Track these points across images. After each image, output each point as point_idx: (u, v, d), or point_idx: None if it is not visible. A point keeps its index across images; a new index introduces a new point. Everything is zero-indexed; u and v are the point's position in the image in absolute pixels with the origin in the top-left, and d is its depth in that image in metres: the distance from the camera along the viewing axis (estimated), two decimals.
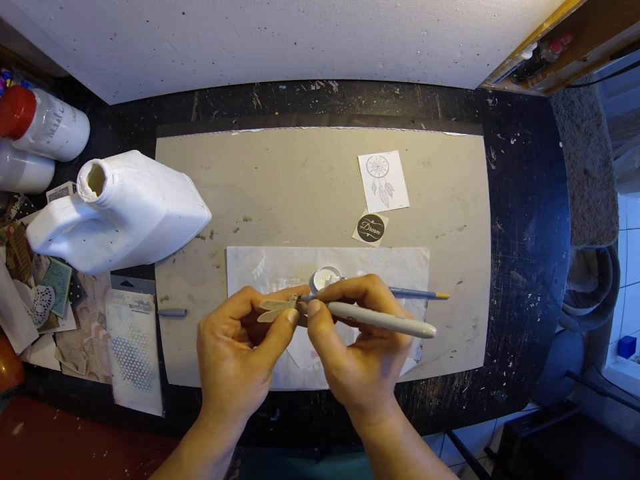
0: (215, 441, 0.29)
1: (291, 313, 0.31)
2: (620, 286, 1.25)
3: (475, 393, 0.55)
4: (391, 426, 0.29)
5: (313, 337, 0.28)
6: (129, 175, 0.34)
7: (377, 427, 0.29)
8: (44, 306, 0.56)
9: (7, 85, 0.50)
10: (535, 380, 0.57)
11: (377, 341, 0.27)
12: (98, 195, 0.32)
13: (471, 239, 0.53)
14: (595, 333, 1.51)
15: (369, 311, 0.26)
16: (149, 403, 0.54)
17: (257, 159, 0.52)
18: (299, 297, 0.32)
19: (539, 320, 0.56)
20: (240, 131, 0.52)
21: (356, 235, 0.52)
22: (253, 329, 0.34)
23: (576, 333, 1.46)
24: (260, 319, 0.31)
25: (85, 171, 0.33)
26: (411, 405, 0.54)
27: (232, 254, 0.51)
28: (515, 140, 0.56)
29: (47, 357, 0.58)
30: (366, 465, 0.61)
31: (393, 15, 0.41)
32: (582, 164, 0.86)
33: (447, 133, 0.54)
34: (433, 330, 0.21)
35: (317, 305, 0.29)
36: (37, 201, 0.58)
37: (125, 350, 0.54)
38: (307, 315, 0.30)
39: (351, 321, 0.30)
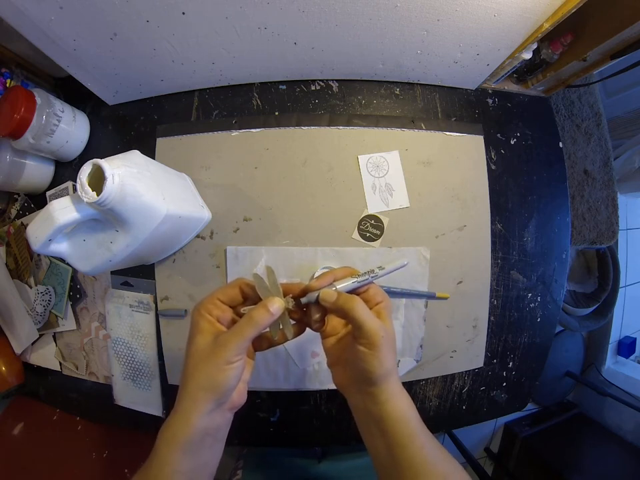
0: (178, 421, 0.28)
1: (274, 302, 0.30)
2: (620, 286, 1.25)
3: (475, 393, 0.55)
4: (408, 397, 0.32)
5: (351, 310, 0.29)
6: (129, 175, 0.34)
7: (402, 397, 0.31)
8: (44, 306, 0.56)
9: (7, 85, 0.50)
10: (535, 380, 0.57)
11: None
12: (98, 195, 0.32)
13: (470, 239, 0.53)
14: (594, 333, 1.50)
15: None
16: (149, 402, 0.54)
17: (257, 159, 0.52)
18: (295, 300, 0.31)
19: (539, 320, 0.56)
20: (240, 130, 0.52)
21: (356, 235, 0.52)
22: None
23: (576, 333, 1.46)
24: (242, 310, 0.31)
25: (85, 170, 0.33)
26: None
27: (232, 254, 0.51)
28: (515, 140, 0.56)
29: (47, 357, 0.58)
30: (369, 464, 0.61)
31: (393, 14, 0.41)
32: (582, 164, 0.86)
33: (447, 133, 0.53)
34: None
35: (333, 292, 0.31)
36: (37, 200, 0.58)
37: (125, 350, 0.54)
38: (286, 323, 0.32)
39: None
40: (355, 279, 0.32)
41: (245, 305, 0.33)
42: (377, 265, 0.33)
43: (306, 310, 0.34)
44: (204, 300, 0.32)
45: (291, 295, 0.32)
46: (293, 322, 0.33)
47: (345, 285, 0.32)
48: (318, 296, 0.31)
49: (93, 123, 0.55)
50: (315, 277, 0.50)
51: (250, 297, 0.33)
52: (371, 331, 0.29)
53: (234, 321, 0.33)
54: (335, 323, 0.35)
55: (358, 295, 0.32)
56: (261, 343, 0.34)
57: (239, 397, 0.32)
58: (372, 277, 0.32)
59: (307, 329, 0.35)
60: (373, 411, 0.30)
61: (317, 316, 0.33)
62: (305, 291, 0.32)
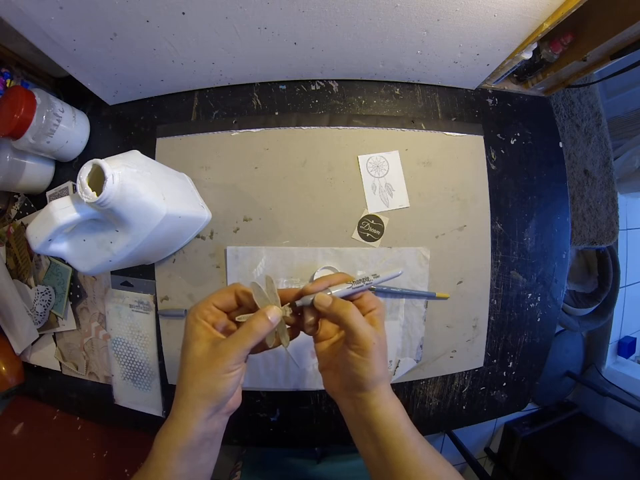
0: (177, 428, 0.28)
1: (272, 311, 0.30)
2: (620, 286, 1.25)
3: (475, 393, 0.55)
4: (399, 402, 0.32)
5: (344, 316, 0.29)
6: (129, 175, 0.34)
7: (392, 402, 0.31)
8: (44, 306, 0.56)
9: (7, 85, 0.50)
10: (535, 380, 0.58)
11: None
12: (98, 195, 0.32)
13: (470, 239, 0.53)
14: (594, 333, 1.51)
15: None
16: (149, 403, 0.54)
17: (256, 159, 0.52)
18: (292, 307, 0.32)
19: (539, 320, 0.56)
20: (240, 130, 0.52)
21: (356, 235, 0.52)
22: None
23: (576, 333, 1.46)
24: (238, 318, 0.31)
25: (85, 170, 0.33)
26: (411, 405, 0.54)
27: (232, 254, 0.51)
28: (515, 140, 0.56)
29: (47, 356, 0.58)
30: None
31: (393, 14, 0.41)
32: (582, 164, 0.86)
33: (447, 133, 0.53)
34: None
35: (328, 297, 0.31)
36: (37, 201, 0.57)
37: (125, 350, 0.54)
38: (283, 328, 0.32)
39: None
40: (350, 285, 0.32)
41: (239, 311, 0.33)
42: (371, 273, 0.34)
43: (300, 314, 0.34)
44: (199, 304, 0.31)
45: (288, 304, 0.32)
46: (287, 326, 0.34)
47: (339, 290, 0.32)
48: (313, 300, 0.31)
49: (93, 123, 0.55)
50: (314, 277, 0.50)
51: (245, 303, 0.33)
52: (364, 337, 0.29)
53: (228, 326, 0.33)
54: (328, 327, 0.36)
55: (352, 301, 0.32)
56: (256, 347, 0.35)
57: (235, 401, 0.32)
58: (366, 284, 0.33)
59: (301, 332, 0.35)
60: (364, 415, 0.31)
61: (310, 319, 0.33)
62: (300, 295, 0.32)
